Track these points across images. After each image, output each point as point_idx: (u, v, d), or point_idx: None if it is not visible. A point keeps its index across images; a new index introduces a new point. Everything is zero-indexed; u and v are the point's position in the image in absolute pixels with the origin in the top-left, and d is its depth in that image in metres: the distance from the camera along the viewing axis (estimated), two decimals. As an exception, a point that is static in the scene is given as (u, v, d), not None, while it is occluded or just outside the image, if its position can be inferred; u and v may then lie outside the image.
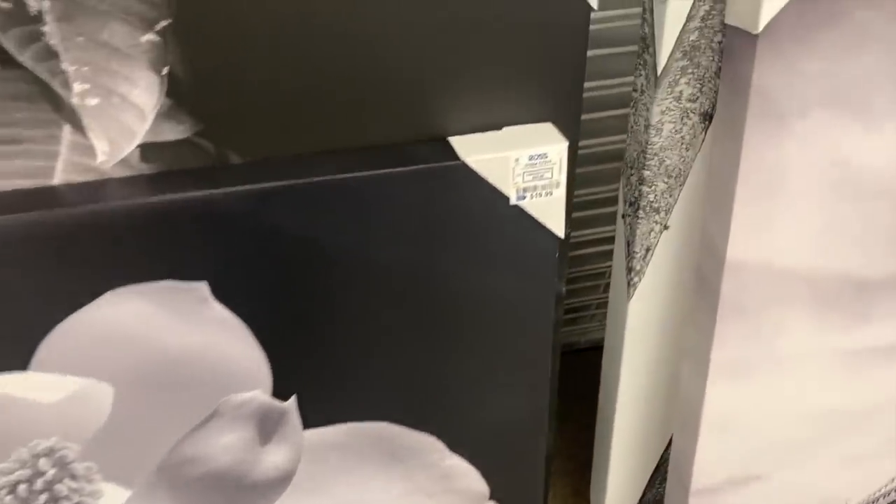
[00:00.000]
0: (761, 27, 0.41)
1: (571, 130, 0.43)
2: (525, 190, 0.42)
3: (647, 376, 0.54)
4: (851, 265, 0.49)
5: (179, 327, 0.38)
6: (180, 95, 0.37)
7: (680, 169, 0.48)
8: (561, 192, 0.43)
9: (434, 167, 0.40)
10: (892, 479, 0.61)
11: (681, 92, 0.46)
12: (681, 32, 0.43)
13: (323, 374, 0.43)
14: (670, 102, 0.46)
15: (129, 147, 0.38)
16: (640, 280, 0.51)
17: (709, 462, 0.53)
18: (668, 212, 0.50)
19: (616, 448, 0.57)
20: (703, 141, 0.48)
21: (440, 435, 0.46)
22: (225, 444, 0.40)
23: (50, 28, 0.34)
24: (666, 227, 0.50)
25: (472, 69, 0.40)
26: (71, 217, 0.35)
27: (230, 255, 0.38)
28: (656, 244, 0.50)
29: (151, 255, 0.37)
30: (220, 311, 0.39)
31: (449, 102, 0.41)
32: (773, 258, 0.47)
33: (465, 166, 0.40)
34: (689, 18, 0.44)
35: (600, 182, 0.67)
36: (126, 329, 0.38)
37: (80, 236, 0.35)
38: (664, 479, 0.60)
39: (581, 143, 0.45)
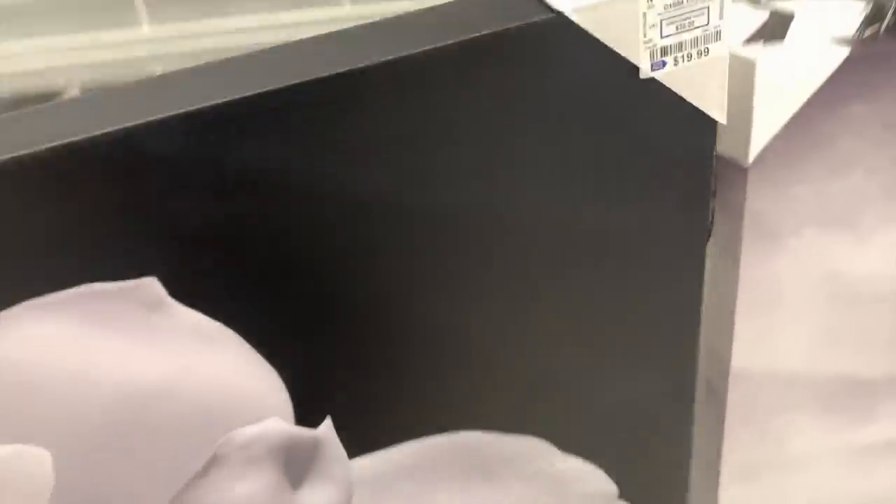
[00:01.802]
0: (751, 160, 0.44)
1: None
2: (665, 51, 0.30)
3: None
4: (853, 367, 0.51)
5: (125, 351, 0.26)
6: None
7: (683, 282, 0.51)
8: (723, 50, 0.31)
9: (515, 28, 0.27)
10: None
11: (679, 213, 0.49)
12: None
13: (370, 378, 0.31)
14: (669, 224, 0.49)
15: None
16: (650, 389, 0.53)
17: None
18: (673, 322, 0.52)
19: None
20: (703, 255, 0.50)
21: (548, 435, 0.35)
22: (239, 498, 0.28)
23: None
24: (672, 337, 0.52)
25: None
26: None
27: (190, 220, 0.26)
28: (664, 353, 0.52)
29: (59, 242, 0.24)
30: (186, 316, 0.27)
31: None
32: (776, 366, 0.50)
33: (563, 21, 0.28)
34: (683, 147, 0.47)
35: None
36: (42, 366, 0.25)
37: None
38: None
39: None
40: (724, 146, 0.46)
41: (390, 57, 0.26)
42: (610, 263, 0.35)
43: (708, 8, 0.30)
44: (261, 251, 0.28)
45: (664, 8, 0.29)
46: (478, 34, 0.27)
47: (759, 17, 0.44)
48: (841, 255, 0.48)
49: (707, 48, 0.31)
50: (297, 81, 0.26)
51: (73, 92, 0.37)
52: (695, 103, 0.32)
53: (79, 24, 0.36)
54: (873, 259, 0.49)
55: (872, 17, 0.45)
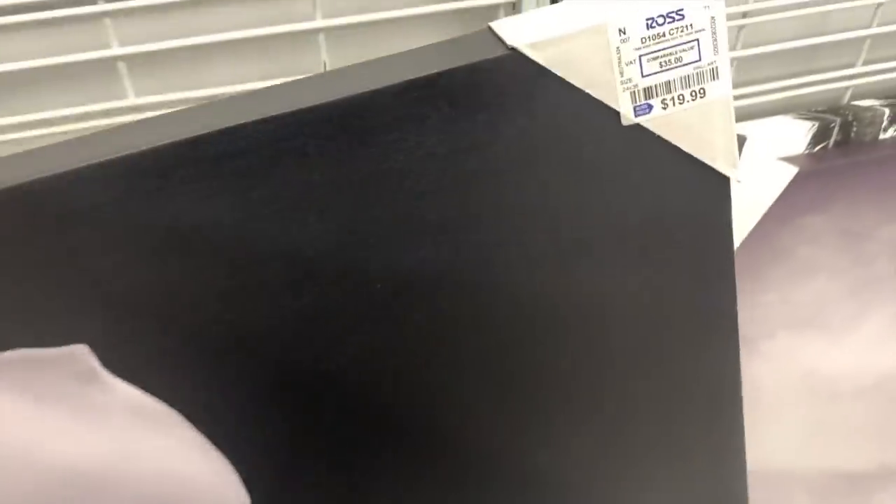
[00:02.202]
0: (718, 271, 0.47)
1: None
2: (650, 93, 0.25)
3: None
4: (844, 462, 0.53)
5: (61, 428, 0.23)
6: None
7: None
8: (723, 90, 0.26)
9: (463, 68, 0.24)
10: None
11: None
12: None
13: (333, 469, 0.28)
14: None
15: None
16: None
17: None
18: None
19: None
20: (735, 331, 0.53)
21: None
22: None
23: None
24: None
25: None
26: None
27: (119, 280, 0.24)
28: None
29: None
30: (124, 392, 0.24)
31: None
32: (765, 464, 0.51)
33: (518, 57, 0.24)
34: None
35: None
36: None
37: None
38: None
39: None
40: (692, 259, 0.50)
41: (327, 99, 0.24)
42: (621, 341, 0.30)
43: (698, 41, 0.24)
44: (197, 316, 0.25)
45: (641, 41, 0.24)
46: (419, 75, 0.24)
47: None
48: (816, 355, 0.51)
49: (703, 89, 0.25)
50: (222, 127, 0.24)
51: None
52: (695, 154, 0.26)
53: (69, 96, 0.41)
54: (850, 356, 0.52)
55: (819, 136, 0.49)
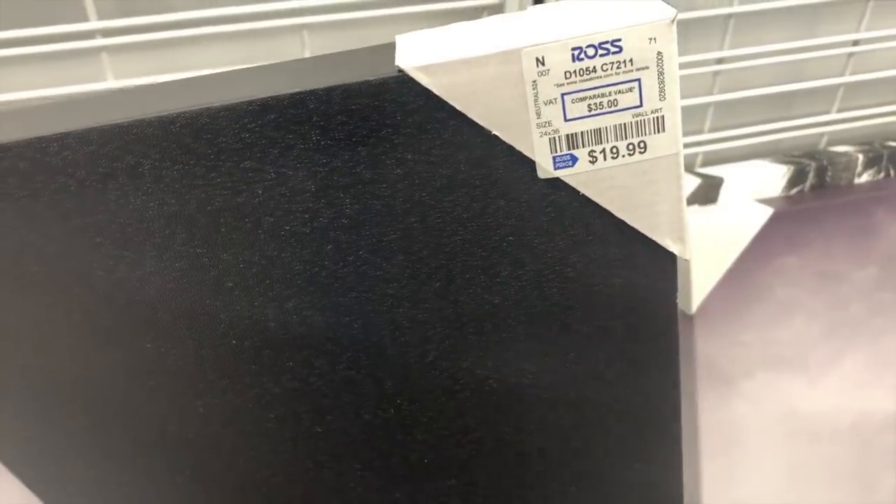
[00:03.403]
0: (694, 309, 0.48)
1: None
2: (574, 141, 0.19)
3: None
4: (819, 501, 0.53)
5: None
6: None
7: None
8: (671, 146, 0.19)
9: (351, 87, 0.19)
10: None
11: (639, 360, 0.52)
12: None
13: None
14: (631, 369, 0.52)
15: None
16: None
17: None
18: (645, 464, 0.54)
19: None
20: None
21: None
22: None
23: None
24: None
25: None
26: None
27: None
28: (639, 495, 0.54)
29: None
30: None
31: None
32: (747, 502, 0.51)
33: (407, 83, 0.19)
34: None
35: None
36: None
37: None
38: None
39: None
40: (672, 298, 0.50)
41: (166, 111, 0.19)
42: (564, 424, 0.25)
43: (639, 81, 0.18)
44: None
45: (565, 76, 0.18)
46: (281, 92, 0.19)
47: (692, 182, 0.50)
48: (795, 395, 0.51)
49: (643, 142, 0.19)
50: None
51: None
52: (632, 224, 0.20)
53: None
54: (827, 397, 0.52)
55: (795, 179, 0.51)
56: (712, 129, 0.51)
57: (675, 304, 0.23)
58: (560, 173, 0.20)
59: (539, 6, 0.21)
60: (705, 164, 0.52)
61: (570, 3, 0.20)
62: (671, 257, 0.21)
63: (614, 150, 0.19)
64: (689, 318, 0.48)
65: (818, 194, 0.50)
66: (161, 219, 0.21)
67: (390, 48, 0.20)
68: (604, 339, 0.23)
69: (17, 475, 0.23)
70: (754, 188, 0.50)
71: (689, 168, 0.52)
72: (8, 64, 0.41)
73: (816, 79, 0.51)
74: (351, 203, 0.21)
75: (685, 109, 0.50)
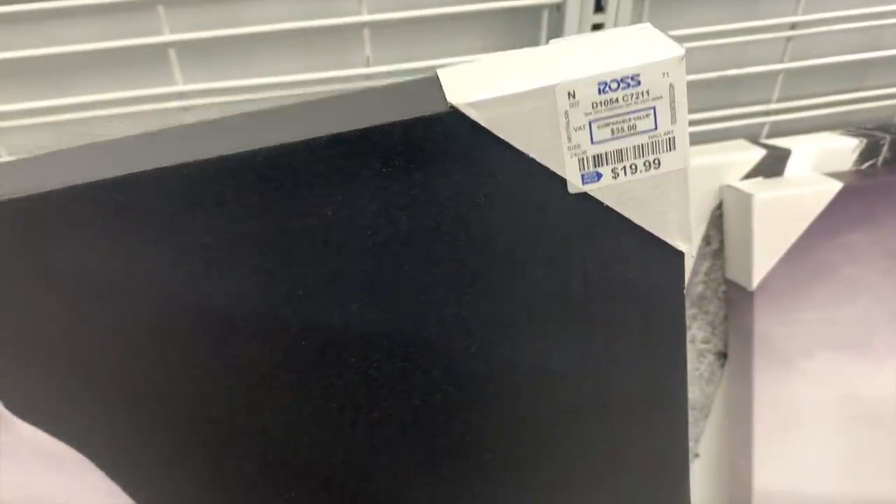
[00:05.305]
0: (755, 284, 0.46)
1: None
2: (599, 160, 0.23)
3: None
4: (879, 492, 0.51)
5: None
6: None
7: (703, 402, 0.53)
8: (679, 162, 0.23)
9: (397, 124, 0.23)
10: None
11: (694, 335, 0.51)
12: (687, 286, 0.49)
13: None
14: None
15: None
16: (675, 506, 0.53)
17: None
18: (696, 441, 0.53)
19: None
20: (720, 377, 0.52)
21: None
22: None
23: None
24: (696, 455, 0.54)
25: None
26: None
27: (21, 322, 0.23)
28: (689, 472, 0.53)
29: None
30: (28, 434, 0.23)
31: None
32: (799, 487, 0.50)
33: (458, 116, 0.22)
34: (694, 273, 0.50)
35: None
36: None
37: None
38: None
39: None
40: (730, 271, 0.49)
41: (250, 147, 0.23)
42: (569, 415, 0.29)
43: (654, 109, 0.22)
44: (107, 363, 0.24)
45: (592, 107, 0.22)
46: (354, 128, 0.23)
47: (757, 153, 0.48)
48: (857, 379, 0.50)
49: (657, 159, 0.23)
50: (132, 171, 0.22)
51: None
52: (648, 228, 0.24)
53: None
54: (892, 381, 0.50)
55: (868, 153, 0.48)
56: (781, 99, 0.49)
57: (682, 294, 0.27)
58: (587, 188, 0.24)
59: (562, 40, 0.25)
60: (772, 134, 0.50)
61: (589, 38, 0.24)
62: (679, 255, 0.25)
63: (633, 167, 0.23)
64: (749, 294, 0.46)
65: (891, 169, 0.48)
66: (241, 239, 0.24)
67: (435, 82, 0.24)
68: (622, 326, 0.27)
69: (102, 468, 0.25)
70: (823, 161, 0.48)
71: (755, 139, 0.50)
72: (74, 73, 0.41)
73: (894, 48, 0.49)
74: (407, 220, 0.24)
75: (755, 76, 0.48)
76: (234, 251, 0.24)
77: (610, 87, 0.22)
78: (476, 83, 0.23)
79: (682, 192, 0.24)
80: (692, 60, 0.48)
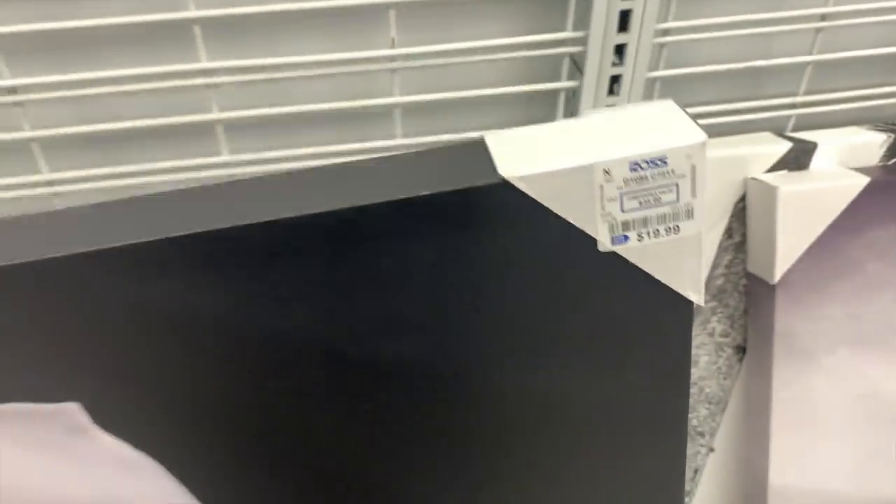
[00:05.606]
0: (777, 278, 0.46)
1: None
2: (627, 226, 0.27)
3: None
4: (895, 493, 0.50)
5: (51, 473, 0.25)
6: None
7: (720, 396, 0.52)
8: (695, 228, 0.27)
9: (459, 191, 0.26)
10: None
11: (713, 328, 0.51)
12: (707, 279, 0.49)
13: None
14: (704, 338, 0.50)
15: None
16: (690, 501, 0.53)
17: None
18: (712, 435, 0.53)
19: None
20: (738, 371, 0.52)
21: None
22: None
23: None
24: (712, 450, 0.53)
25: None
26: None
27: (117, 352, 0.26)
28: (704, 466, 0.53)
29: None
30: (109, 444, 0.26)
31: None
32: (816, 485, 0.49)
33: (508, 187, 0.26)
34: (715, 266, 0.49)
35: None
36: None
37: None
38: None
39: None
40: (752, 265, 0.48)
41: (326, 209, 0.26)
42: (584, 440, 0.33)
43: (677, 185, 0.26)
44: (187, 386, 0.28)
45: (624, 182, 0.25)
46: (417, 194, 0.26)
47: (783, 146, 0.47)
48: (878, 376, 0.49)
49: (677, 226, 0.27)
50: (226, 226, 0.26)
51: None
52: (665, 281, 0.28)
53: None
54: (914, 380, 0.49)
55: (895, 148, 0.48)
56: (808, 92, 0.49)
57: (690, 336, 0.31)
58: (615, 248, 0.28)
59: (596, 113, 0.28)
60: (798, 128, 0.50)
61: (619, 114, 0.28)
62: (689, 303, 0.30)
63: (656, 232, 0.27)
64: (771, 288, 0.46)
65: (920, 166, 0.47)
66: (313, 286, 0.28)
67: (482, 148, 0.28)
68: (633, 362, 0.31)
69: (174, 473, 0.29)
70: (850, 156, 0.47)
71: (780, 131, 0.50)
72: (98, 49, 0.42)
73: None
74: (459, 271, 0.28)
75: (782, 68, 0.48)
76: (306, 294, 0.28)
77: (640, 167, 0.26)
78: (524, 156, 0.27)
79: (697, 252, 0.28)
80: (719, 50, 0.47)
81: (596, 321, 0.29)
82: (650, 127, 0.27)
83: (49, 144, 0.44)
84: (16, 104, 0.41)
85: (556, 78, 0.46)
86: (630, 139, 0.26)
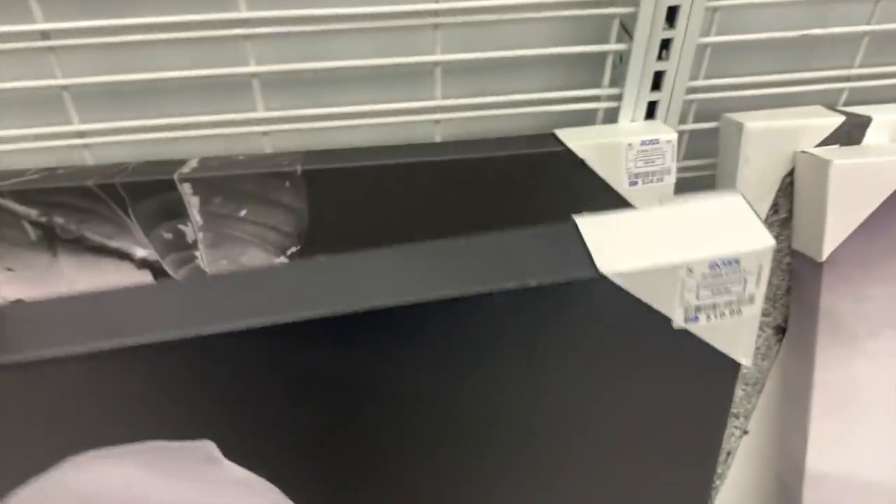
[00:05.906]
0: (825, 256, 0.44)
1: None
2: (699, 309, 0.31)
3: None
4: (938, 481, 0.49)
5: (183, 497, 0.31)
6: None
7: (757, 377, 0.51)
8: (755, 311, 0.32)
9: (564, 283, 0.30)
10: None
11: (753, 307, 0.49)
12: (750, 255, 0.47)
13: None
14: (743, 317, 0.49)
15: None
16: (721, 484, 0.52)
17: None
18: (747, 417, 0.51)
19: None
20: (777, 352, 0.50)
21: None
22: None
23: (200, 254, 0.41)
24: (746, 432, 0.52)
25: None
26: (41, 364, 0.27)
27: (253, 399, 0.31)
28: (737, 448, 0.52)
29: (132, 409, 0.29)
30: (235, 472, 0.31)
31: None
32: (853, 471, 0.48)
33: (604, 282, 0.30)
34: (758, 242, 0.48)
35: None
36: (112, 501, 0.29)
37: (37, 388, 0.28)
38: None
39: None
40: (798, 242, 0.47)
41: (424, 299, 0.30)
42: (628, 475, 0.38)
43: (745, 280, 0.31)
44: (303, 430, 0.32)
45: (702, 277, 0.30)
46: (532, 284, 0.30)
47: (835, 120, 0.46)
48: (924, 361, 0.47)
49: (740, 309, 0.31)
50: (369, 307, 0.29)
51: (193, 163, 0.42)
52: (723, 351, 0.33)
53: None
54: (960, 367, 0.48)
55: (954, 124, 0.46)
56: (864, 64, 0.47)
57: (732, 391, 0.35)
58: (687, 326, 0.32)
59: (675, 203, 0.33)
60: (850, 102, 0.48)
61: (696, 208, 0.33)
62: (737, 364, 0.34)
63: (722, 314, 0.32)
64: (818, 266, 0.44)
65: (980, 145, 0.45)
66: (418, 360, 0.31)
67: (574, 232, 0.32)
68: (681, 408, 0.36)
69: (287, 494, 0.33)
70: (906, 132, 0.45)
71: (832, 105, 0.48)
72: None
73: None
74: (549, 357, 0.32)
75: (837, 37, 0.46)
76: (417, 367, 0.31)
77: (717, 266, 0.30)
78: (618, 251, 0.31)
79: (753, 328, 0.33)
80: (772, 17, 0.45)
81: (658, 378, 0.34)
82: (724, 225, 0.32)
83: (81, 94, 0.43)
84: (49, 49, 0.40)
85: (605, 41, 0.44)
86: (708, 237, 0.31)
